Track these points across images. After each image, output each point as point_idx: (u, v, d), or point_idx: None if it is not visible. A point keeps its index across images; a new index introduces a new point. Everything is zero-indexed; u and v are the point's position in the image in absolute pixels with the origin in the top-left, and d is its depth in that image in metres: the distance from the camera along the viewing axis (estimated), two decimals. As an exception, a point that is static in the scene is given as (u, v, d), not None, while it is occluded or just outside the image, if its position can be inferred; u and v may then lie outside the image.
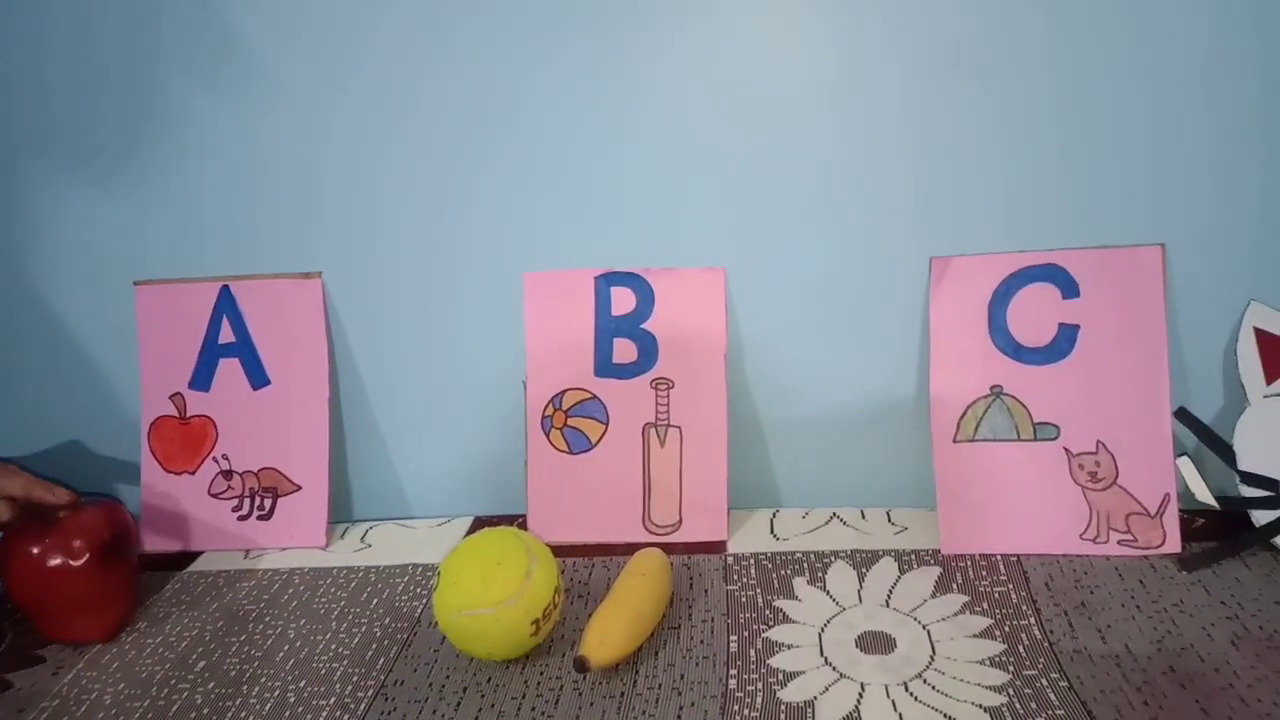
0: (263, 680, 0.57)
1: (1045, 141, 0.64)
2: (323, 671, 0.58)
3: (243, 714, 0.54)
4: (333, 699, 0.55)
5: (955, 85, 0.64)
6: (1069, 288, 0.65)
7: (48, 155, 0.72)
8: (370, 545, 0.73)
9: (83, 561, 0.60)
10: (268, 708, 0.55)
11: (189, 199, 0.72)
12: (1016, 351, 0.66)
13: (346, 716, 0.53)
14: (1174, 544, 0.62)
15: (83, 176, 0.73)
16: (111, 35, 0.69)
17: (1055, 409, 0.65)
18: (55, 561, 0.59)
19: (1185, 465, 0.62)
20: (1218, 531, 0.64)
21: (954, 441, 0.66)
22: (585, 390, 0.71)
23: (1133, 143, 0.64)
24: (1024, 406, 0.65)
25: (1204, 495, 0.62)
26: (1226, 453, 0.64)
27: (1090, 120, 0.64)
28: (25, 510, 0.60)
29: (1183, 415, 0.64)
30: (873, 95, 0.65)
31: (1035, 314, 0.65)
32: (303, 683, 0.57)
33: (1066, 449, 0.64)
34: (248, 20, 0.68)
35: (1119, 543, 0.63)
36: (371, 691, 0.55)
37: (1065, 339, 0.65)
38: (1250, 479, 0.63)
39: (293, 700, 0.55)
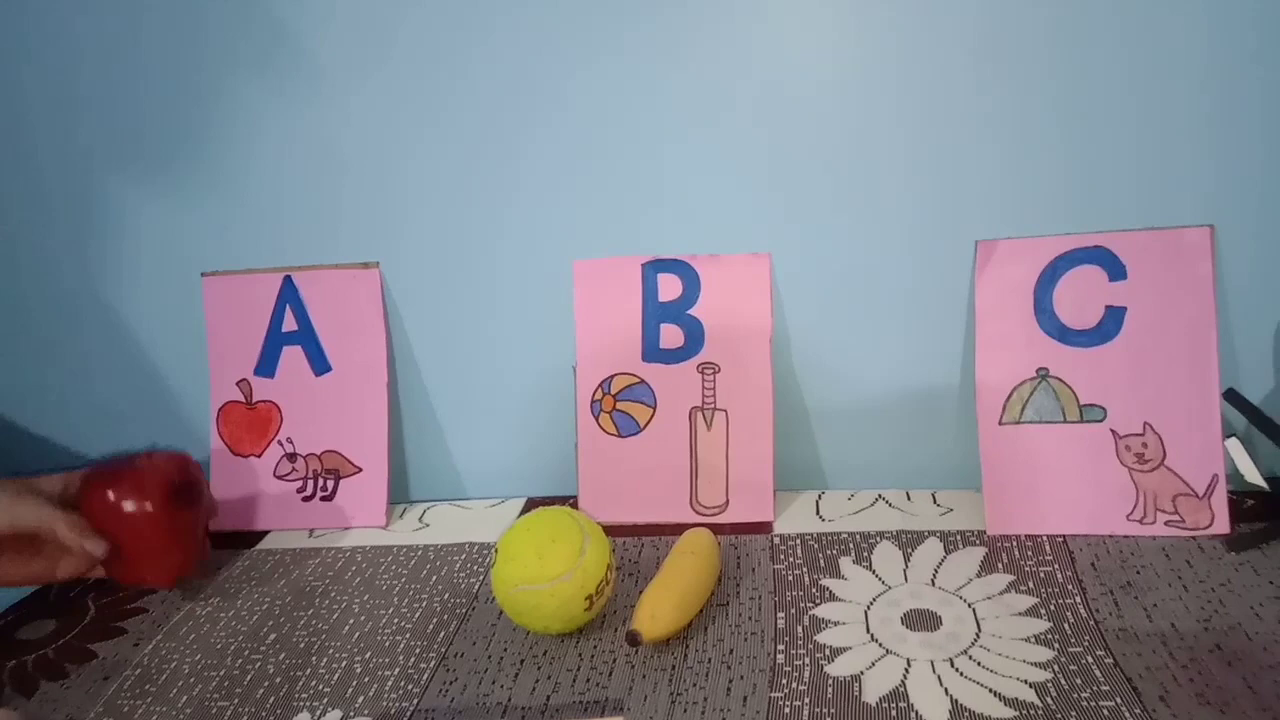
0: (330, 652, 0.60)
1: (1091, 123, 0.64)
2: (387, 644, 0.60)
3: (313, 683, 0.57)
4: (397, 670, 0.58)
5: (1002, 68, 0.64)
6: (1116, 270, 0.65)
7: (116, 158, 0.76)
8: (428, 525, 0.76)
9: (155, 505, 0.62)
10: (336, 677, 0.58)
11: (253, 195, 0.75)
12: (1063, 334, 0.66)
13: (410, 686, 0.56)
14: (1222, 525, 0.62)
15: (150, 177, 0.76)
16: (173, 43, 0.72)
17: (1102, 391, 0.65)
18: (130, 505, 0.62)
19: (1234, 446, 0.62)
20: (1267, 512, 0.64)
21: (1000, 424, 0.67)
22: (633, 375, 0.73)
23: (1182, 123, 0.63)
24: (1070, 389, 0.66)
25: (1253, 477, 0.62)
26: (1276, 434, 0.63)
27: (1138, 100, 0.63)
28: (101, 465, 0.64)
29: (1232, 396, 0.64)
30: (919, 79, 0.66)
31: (1082, 296, 0.66)
32: (368, 654, 0.59)
33: (1113, 431, 0.65)
34: (301, 20, 0.70)
35: (1166, 524, 0.63)
36: (433, 663, 0.58)
37: (1112, 321, 0.65)
38: (1301, 460, 0.62)
39: (359, 670, 0.58)
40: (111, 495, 0.62)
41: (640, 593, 0.58)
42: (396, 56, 0.70)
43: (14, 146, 0.76)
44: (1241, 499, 0.65)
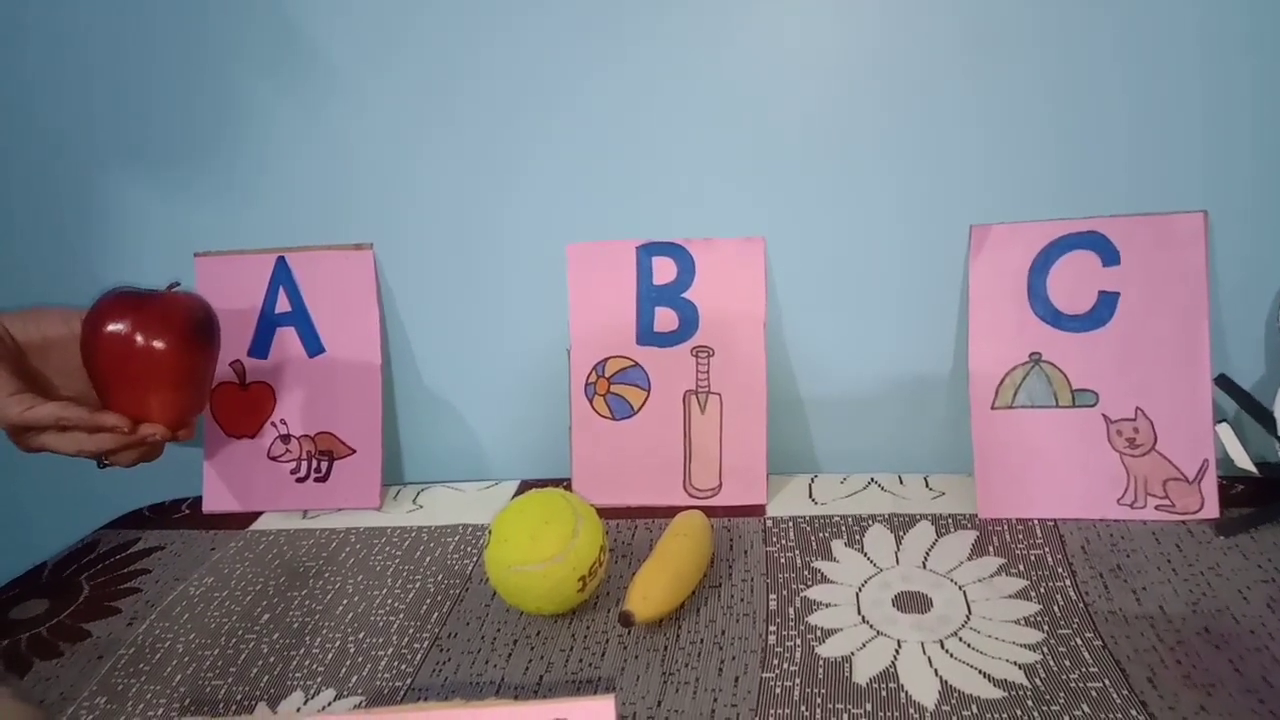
0: (324, 632, 0.60)
1: (1086, 108, 0.64)
2: (380, 624, 0.61)
3: (306, 662, 0.57)
4: (390, 650, 0.58)
5: (995, 53, 0.64)
6: (1109, 255, 0.65)
7: (110, 140, 0.76)
8: (422, 506, 0.76)
9: (174, 341, 0.59)
10: (329, 657, 0.58)
11: (247, 175, 0.75)
12: (1056, 319, 0.66)
13: (404, 666, 0.56)
14: (1212, 509, 0.63)
15: (143, 158, 0.76)
16: (172, 26, 0.72)
17: (1094, 376, 0.65)
18: (146, 339, 0.58)
19: (1225, 432, 0.62)
20: (1256, 498, 0.64)
21: (992, 408, 0.67)
22: (627, 358, 0.73)
23: (1175, 109, 0.63)
24: (1063, 373, 0.66)
25: (1243, 462, 0.62)
26: (1267, 420, 0.64)
27: (1132, 86, 0.63)
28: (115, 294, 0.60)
29: (1223, 382, 0.64)
30: (913, 64, 0.65)
31: (1075, 281, 0.66)
32: (362, 634, 0.60)
33: (1105, 415, 0.65)
34: (300, 4, 0.70)
35: (1156, 508, 0.64)
36: (427, 643, 0.58)
37: (1105, 306, 0.65)
38: (1291, 446, 0.63)
39: (352, 650, 0.58)
40: (127, 326, 0.58)
41: (633, 574, 0.59)
42: (395, 43, 0.70)
43: (15, 128, 0.76)
44: (1231, 484, 0.65)
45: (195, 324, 0.61)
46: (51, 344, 0.60)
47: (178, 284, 0.62)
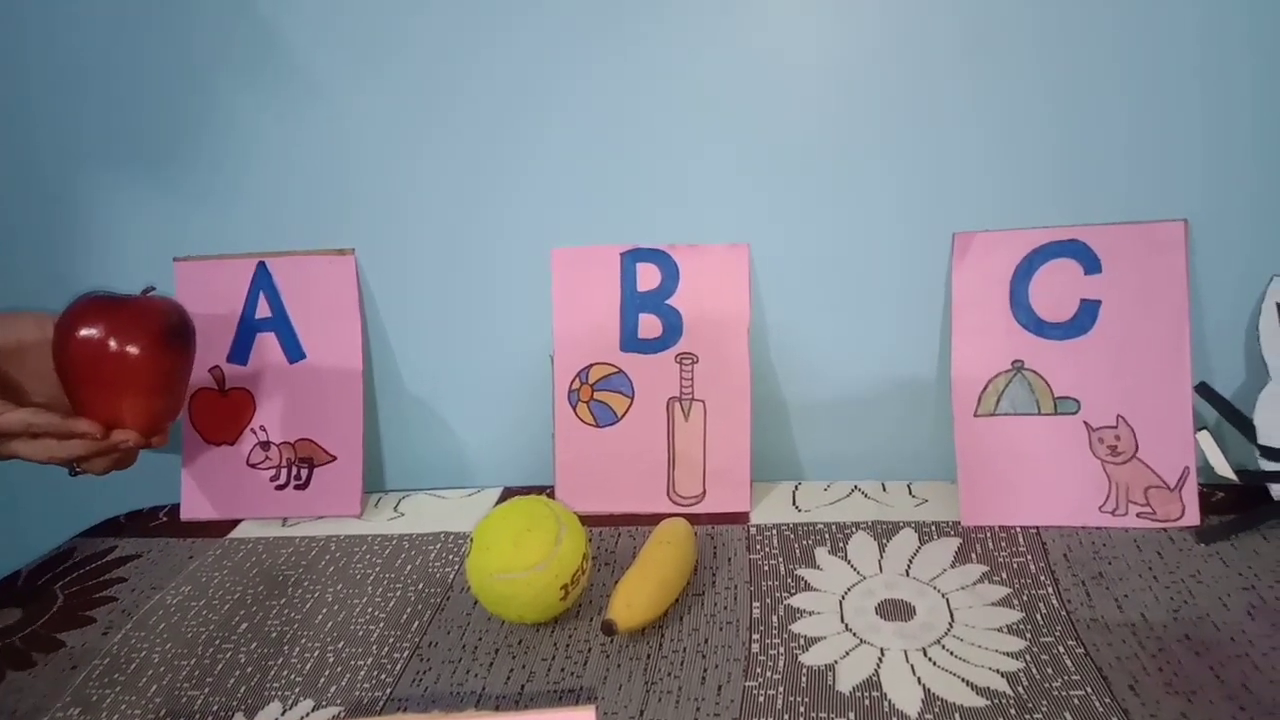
0: (303, 641, 0.60)
1: (1069, 118, 0.65)
2: (360, 634, 0.60)
3: (285, 673, 0.57)
4: (370, 659, 0.57)
5: (980, 62, 0.64)
6: (1091, 263, 0.65)
7: (90, 144, 0.75)
8: (403, 514, 0.75)
9: (148, 344, 0.58)
10: (308, 667, 0.57)
11: (227, 179, 0.74)
12: (1038, 327, 0.66)
13: (383, 676, 0.55)
14: (1193, 517, 0.63)
15: (124, 158, 0.75)
16: (154, 32, 0.71)
17: (1076, 383, 0.66)
18: (120, 343, 0.57)
19: (1205, 439, 0.63)
20: (1237, 505, 0.64)
21: (975, 415, 0.67)
22: (611, 365, 0.73)
23: (1156, 118, 0.64)
24: (1045, 381, 0.66)
25: (1223, 469, 0.62)
26: (1247, 427, 0.64)
27: (1114, 96, 0.64)
28: (90, 299, 0.59)
29: (1204, 390, 0.65)
30: (898, 72, 0.66)
31: (1057, 289, 0.66)
32: (341, 644, 0.59)
33: (1087, 423, 0.65)
34: (284, 8, 0.69)
35: (1138, 515, 0.64)
36: (407, 652, 0.58)
37: (1087, 314, 0.66)
38: (1270, 453, 0.63)
39: (331, 660, 0.57)
40: (100, 331, 0.57)
41: (616, 582, 0.58)
42: (379, 50, 0.69)
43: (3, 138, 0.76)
44: (1211, 491, 0.66)
45: (169, 329, 0.60)
46: (26, 349, 0.59)
47: (153, 288, 0.62)
